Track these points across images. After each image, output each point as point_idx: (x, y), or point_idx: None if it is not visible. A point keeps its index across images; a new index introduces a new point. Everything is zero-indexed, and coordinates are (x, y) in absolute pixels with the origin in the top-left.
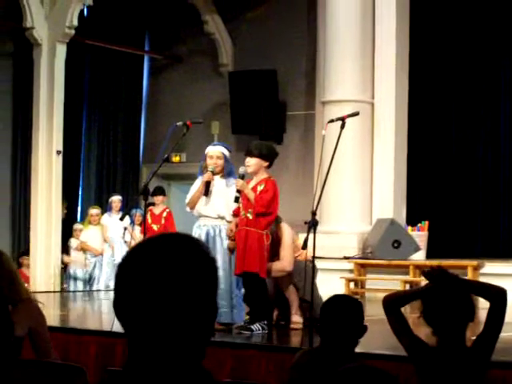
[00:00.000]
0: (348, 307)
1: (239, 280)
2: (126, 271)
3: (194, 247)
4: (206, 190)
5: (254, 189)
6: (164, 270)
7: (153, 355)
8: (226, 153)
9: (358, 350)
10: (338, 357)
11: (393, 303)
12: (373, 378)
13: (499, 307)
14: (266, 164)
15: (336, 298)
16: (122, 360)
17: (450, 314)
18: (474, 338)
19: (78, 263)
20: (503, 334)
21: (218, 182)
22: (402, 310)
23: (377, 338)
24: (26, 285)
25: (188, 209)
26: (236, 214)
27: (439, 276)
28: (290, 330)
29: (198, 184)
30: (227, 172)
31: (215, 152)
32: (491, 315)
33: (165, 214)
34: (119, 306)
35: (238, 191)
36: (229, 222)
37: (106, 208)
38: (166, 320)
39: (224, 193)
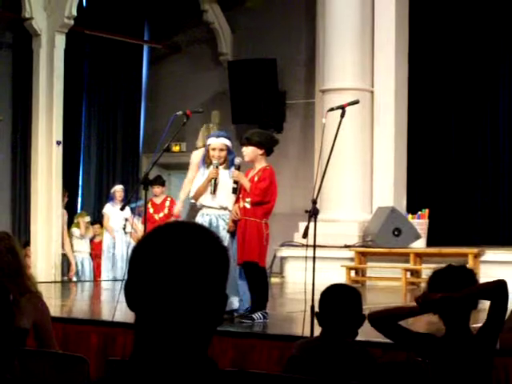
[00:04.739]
0: (346, 296)
1: (241, 270)
2: (140, 255)
3: (207, 236)
4: (214, 187)
5: (252, 179)
6: (178, 257)
7: (160, 342)
8: (229, 143)
9: (358, 338)
10: (338, 346)
11: (385, 322)
12: None
13: (500, 301)
14: (262, 152)
15: (334, 288)
16: (122, 350)
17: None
18: (478, 325)
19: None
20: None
21: (222, 173)
22: None
23: None
24: (34, 279)
25: (192, 200)
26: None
27: (434, 303)
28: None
29: (201, 176)
30: (230, 162)
31: (217, 144)
32: (493, 309)
33: (167, 203)
34: (131, 290)
35: (236, 182)
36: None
37: (107, 198)
38: (177, 307)
39: (227, 183)
